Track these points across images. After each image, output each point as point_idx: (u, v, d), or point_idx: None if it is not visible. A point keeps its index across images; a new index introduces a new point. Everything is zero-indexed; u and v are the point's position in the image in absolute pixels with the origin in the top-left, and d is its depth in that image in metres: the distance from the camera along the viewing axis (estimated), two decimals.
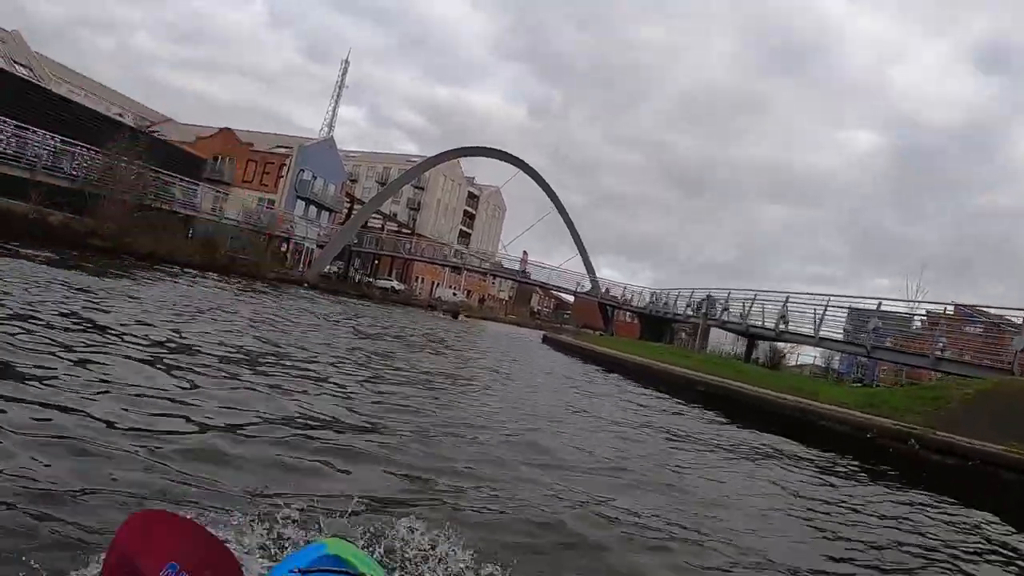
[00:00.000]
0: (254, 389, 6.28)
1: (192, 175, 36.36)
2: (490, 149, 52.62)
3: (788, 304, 24.47)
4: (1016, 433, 9.19)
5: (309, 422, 5.44)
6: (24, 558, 2.30)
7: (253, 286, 25.68)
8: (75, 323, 7.59)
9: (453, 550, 3.09)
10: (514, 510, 4.19)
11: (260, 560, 2.68)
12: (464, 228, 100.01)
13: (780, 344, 29.42)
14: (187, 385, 5.83)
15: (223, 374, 6.67)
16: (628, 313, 48.00)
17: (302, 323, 14.82)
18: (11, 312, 7.31)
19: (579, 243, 52.03)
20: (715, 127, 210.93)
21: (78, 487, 3.19)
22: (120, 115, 43.52)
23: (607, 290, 49.18)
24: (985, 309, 22.40)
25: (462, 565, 3.01)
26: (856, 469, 8.53)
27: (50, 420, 4.07)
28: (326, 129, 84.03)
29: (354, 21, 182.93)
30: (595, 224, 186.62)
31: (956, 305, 23.27)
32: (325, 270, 47.03)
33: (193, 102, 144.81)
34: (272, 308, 17.44)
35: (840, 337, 23.19)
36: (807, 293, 24.80)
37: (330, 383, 7.46)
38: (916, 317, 23.88)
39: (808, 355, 34.86)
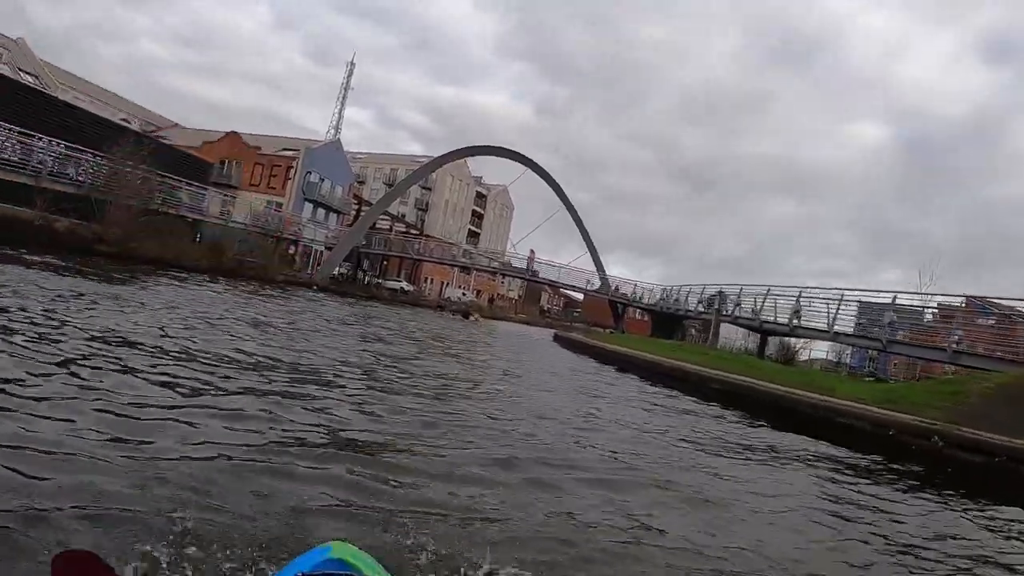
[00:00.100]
0: (279, 402, 6.10)
1: (199, 179, 36.27)
2: (497, 148, 52.39)
3: (801, 299, 24.21)
4: None
5: (335, 437, 5.25)
6: None
7: (262, 289, 25.55)
8: (81, 331, 7.43)
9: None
10: (545, 526, 3.99)
11: (264, 565, 2.75)
12: (472, 228, 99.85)
13: (790, 339, 29.14)
14: (200, 396, 5.65)
15: (233, 385, 6.49)
16: (638, 310, 47.71)
17: (314, 328, 14.63)
18: (27, 323, 7.15)
19: (588, 241, 51.77)
20: (721, 123, 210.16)
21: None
22: (127, 121, 43.50)
23: (617, 287, 48.84)
24: (996, 301, 22.12)
25: None
26: (881, 468, 8.27)
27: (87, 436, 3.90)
28: (333, 131, 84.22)
29: (359, 23, 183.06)
30: (603, 222, 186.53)
31: (968, 297, 22.95)
32: (334, 272, 46.88)
33: (199, 107, 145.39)
34: (282, 312, 17.29)
35: (852, 331, 22.94)
36: (820, 287, 24.60)
37: (352, 394, 7.24)
38: (928, 310, 23.55)
39: (819, 350, 34.59)
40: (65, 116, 28.45)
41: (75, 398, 4.80)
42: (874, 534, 5.08)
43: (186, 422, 4.77)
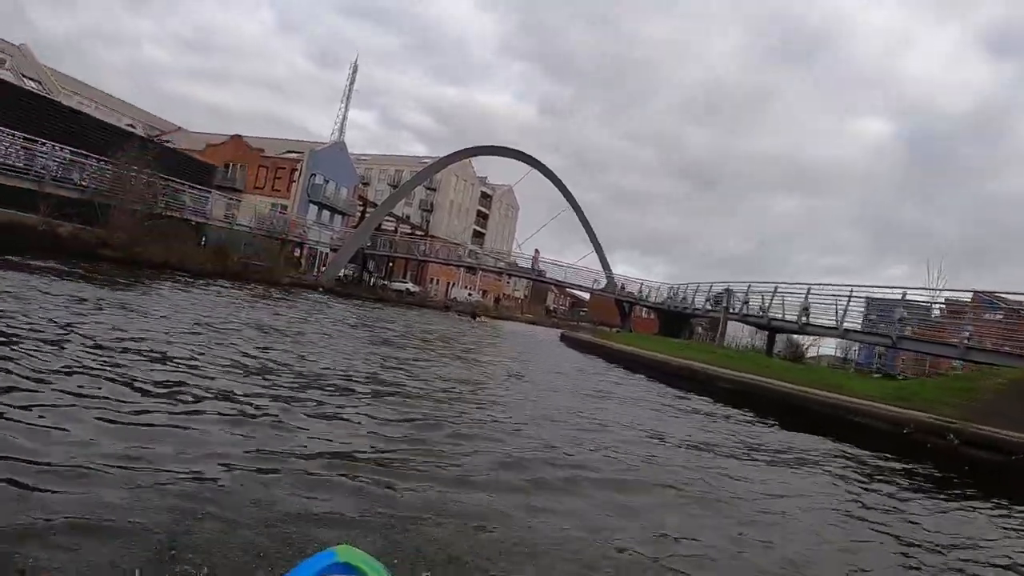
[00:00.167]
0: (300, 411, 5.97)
1: (203, 183, 36.26)
2: (502, 148, 52.27)
3: (810, 296, 24.01)
4: None
5: (341, 442, 5.12)
6: None
7: (268, 292, 25.48)
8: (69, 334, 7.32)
9: None
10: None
11: (269, 570, 2.73)
12: (478, 228, 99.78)
13: (797, 336, 28.97)
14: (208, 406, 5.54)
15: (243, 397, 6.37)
16: (645, 309, 47.54)
17: (321, 332, 14.51)
18: (27, 329, 7.04)
19: (594, 240, 51.61)
20: (724, 121, 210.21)
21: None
22: (131, 126, 43.56)
23: (623, 286, 48.66)
24: (1004, 295, 21.93)
25: None
26: (897, 468, 8.09)
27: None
28: (336, 133, 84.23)
29: (362, 25, 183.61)
30: (608, 220, 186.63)
31: (975, 292, 22.75)
32: (340, 274, 46.83)
33: (203, 111, 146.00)
34: (287, 315, 17.18)
35: (859, 328, 22.76)
36: (829, 284, 24.31)
37: (359, 398, 7.11)
38: (935, 305, 23.33)
39: (826, 347, 34.43)
40: (68, 121, 28.47)
41: (72, 406, 4.68)
42: (892, 536, 4.94)
43: (186, 428, 4.67)
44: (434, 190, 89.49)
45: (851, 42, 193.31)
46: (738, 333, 33.08)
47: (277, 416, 5.48)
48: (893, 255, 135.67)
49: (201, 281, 22.22)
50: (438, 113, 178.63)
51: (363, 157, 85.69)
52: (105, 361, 6.30)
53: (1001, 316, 21.14)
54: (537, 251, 54.48)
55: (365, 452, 4.90)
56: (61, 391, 4.98)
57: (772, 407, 11.77)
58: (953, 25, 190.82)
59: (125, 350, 7.05)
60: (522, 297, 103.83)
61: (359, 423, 5.81)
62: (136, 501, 3.28)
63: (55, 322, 7.83)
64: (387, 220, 61.90)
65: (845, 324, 22.33)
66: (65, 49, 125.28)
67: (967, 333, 18.48)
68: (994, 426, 9.08)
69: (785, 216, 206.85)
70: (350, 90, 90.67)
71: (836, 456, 8.38)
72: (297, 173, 54.24)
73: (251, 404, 5.75)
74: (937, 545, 4.90)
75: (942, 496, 6.85)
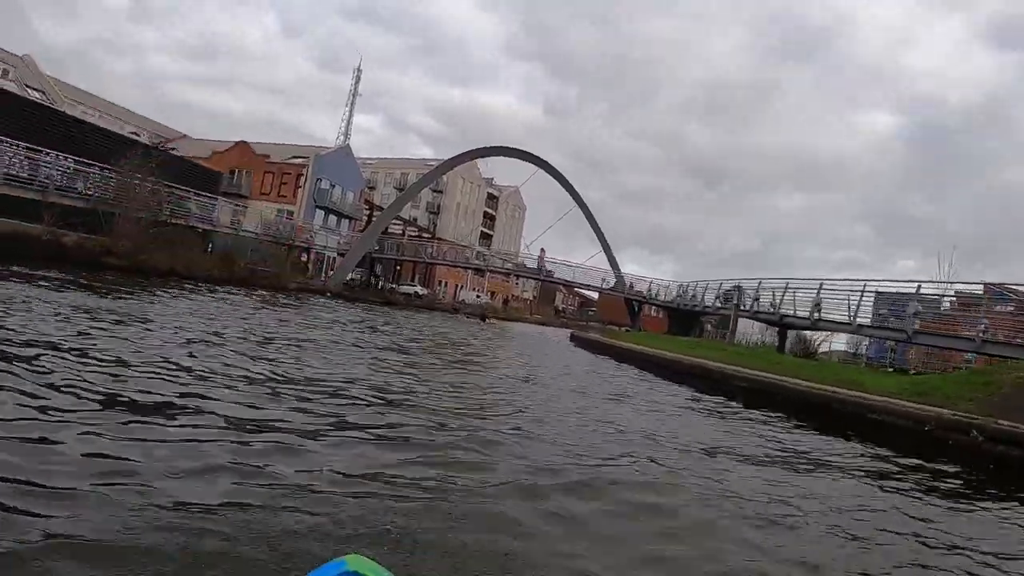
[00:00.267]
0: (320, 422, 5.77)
1: (209, 189, 36.23)
2: (508, 148, 52.12)
3: (822, 291, 23.72)
4: None
5: (351, 452, 4.92)
6: None
7: (275, 298, 25.34)
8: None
9: None
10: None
11: None
12: (485, 230, 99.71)
13: (807, 332, 28.69)
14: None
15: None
16: (654, 307, 47.29)
17: (330, 338, 14.31)
18: (23, 344, 6.87)
19: (602, 239, 51.42)
20: (731, 117, 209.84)
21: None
22: (135, 134, 43.63)
23: (631, 285, 48.44)
24: (1015, 287, 21.61)
25: None
26: (922, 468, 7.80)
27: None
28: (342, 137, 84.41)
29: (366, 29, 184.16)
30: (615, 220, 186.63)
31: (986, 284, 22.41)
32: (347, 278, 46.72)
33: (209, 118, 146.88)
34: (293, 321, 17.02)
35: (869, 322, 22.47)
36: (841, 279, 23.97)
37: (370, 407, 6.88)
38: (945, 298, 22.98)
39: (838, 342, 34.09)
40: (72, 130, 28.47)
41: (66, 422, 4.49)
42: (919, 541, 4.70)
43: (188, 441, 4.46)
44: (440, 192, 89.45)
45: (854, 36, 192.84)
46: (748, 330, 32.83)
47: (281, 427, 5.28)
48: (901, 249, 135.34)
49: (207, 288, 22.11)
50: (443, 115, 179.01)
51: (369, 161, 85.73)
52: (99, 373, 6.10)
53: (1012, 308, 20.81)
54: (543, 251, 54.31)
55: (376, 463, 4.67)
56: (52, 405, 4.79)
57: (791, 406, 11.51)
58: (957, 17, 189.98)
59: (120, 363, 6.86)
60: (531, 298, 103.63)
61: (368, 433, 5.58)
62: (133, 519, 3.12)
63: (47, 334, 7.64)
64: (394, 223, 61.87)
65: (858, 320, 22.05)
66: (69, 60, 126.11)
67: (983, 326, 18.16)
68: (1016, 421, 8.80)
69: (792, 212, 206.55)
70: (354, 94, 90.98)
71: (861, 456, 8.13)
72: (303, 178, 54.26)
73: (255, 415, 5.55)
74: (965, 548, 4.66)
75: (967, 495, 6.59)
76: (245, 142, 56.21)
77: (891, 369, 30.27)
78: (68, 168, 25.31)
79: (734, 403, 12.09)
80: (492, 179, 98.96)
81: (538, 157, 51.99)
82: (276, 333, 12.73)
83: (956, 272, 27.91)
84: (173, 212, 29.20)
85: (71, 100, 46.00)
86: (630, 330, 43.50)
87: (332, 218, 57.55)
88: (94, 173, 25.87)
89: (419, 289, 60.61)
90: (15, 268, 15.02)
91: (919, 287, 20.71)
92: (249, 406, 5.86)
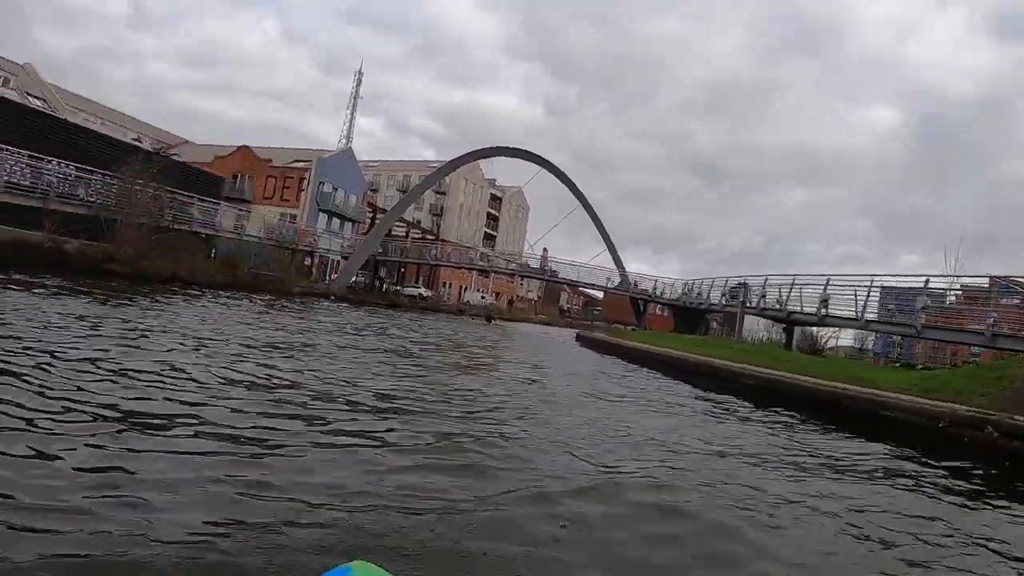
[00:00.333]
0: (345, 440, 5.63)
1: (211, 194, 36.13)
2: (510, 149, 51.97)
3: (829, 287, 23.55)
4: None
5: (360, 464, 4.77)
6: None
7: (279, 303, 25.22)
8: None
9: None
10: None
11: None
12: (489, 230, 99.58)
13: (813, 328, 28.55)
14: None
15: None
16: (659, 306, 47.11)
17: (336, 344, 14.17)
18: (20, 354, 6.75)
19: (606, 238, 51.24)
20: (733, 114, 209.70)
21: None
22: (138, 140, 43.60)
23: (636, 284, 48.27)
24: (1021, 280, 21.43)
25: None
26: (941, 467, 7.62)
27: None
28: (344, 140, 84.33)
29: (366, 31, 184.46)
30: (619, 219, 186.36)
31: (991, 277, 22.22)
32: (351, 281, 46.60)
33: (211, 123, 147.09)
34: (298, 326, 16.89)
35: (875, 318, 22.31)
36: (847, 275, 23.85)
37: (384, 418, 6.71)
38: (951, 292, 22.79)
39: (844, 338, 33.92)
40: (74, 137, 28.39)
41: (61, 434, 4.36)
42: (935, 540, 4.56)
43: (188, 454, 4.33)
44: (444, 194, 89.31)
45: (856, 30, 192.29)
46: (753, 327, 32.66)
47: (284, 434, 5.15)
48: (905, 243, 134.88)
49: (211, 293, 22.00)
50: (445, 117, 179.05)
51: (371, 164, 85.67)
52: (95, 386, 5.98)
53: (1019, 301, 20.65)
54: (545, 250, 54.14)
55: (387, 475, 4.52)
56: (46, 416, 4.67)
57: (801, 404, 11.36)
58: (959, 9, 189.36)
59: (118, 373, 6.73)
60: (535, 298, 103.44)
61: (379, 444, 5.41)
62: (129, 533, 3.02)
63: (41, 342, 7.53)
64: (397, 226, 61.78)
65: (867, 315, 21.90)
66: (71, 68, 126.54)
67: (992, 319, 17.98)
68: None
69: (794, 209, 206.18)
70: (356, 97, 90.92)
71: (878, 456, 7.96)
72: (305, 182, 54.26)
73: (256, 423, 5.43)
74: (992, 553, 4.51)
75: (996, 495, 6.42)
76: (247, 147, 56.19)
77: (897, 364, 30.14)
78: (70, 175, 25.26)
79: (746, 402, 11.92)
80: (495, 180, 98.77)
81: (540, 157, 51.87)
82: (278, 338, 12.61)
83: (963, 266, 27.68)
84: (175, 218, 29.14)
85: (73, 108, 46.02)
86: (635, 329, 43.31)
87: (335, 221, 57.52)
88: (96, 180, 25.81)
89: (423, 291, 60.48)
90: (16, 276, 14.94)
91: (927, 281, 20.53)
92: (250, 413, 5.73)
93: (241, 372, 7.82)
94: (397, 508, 3.80)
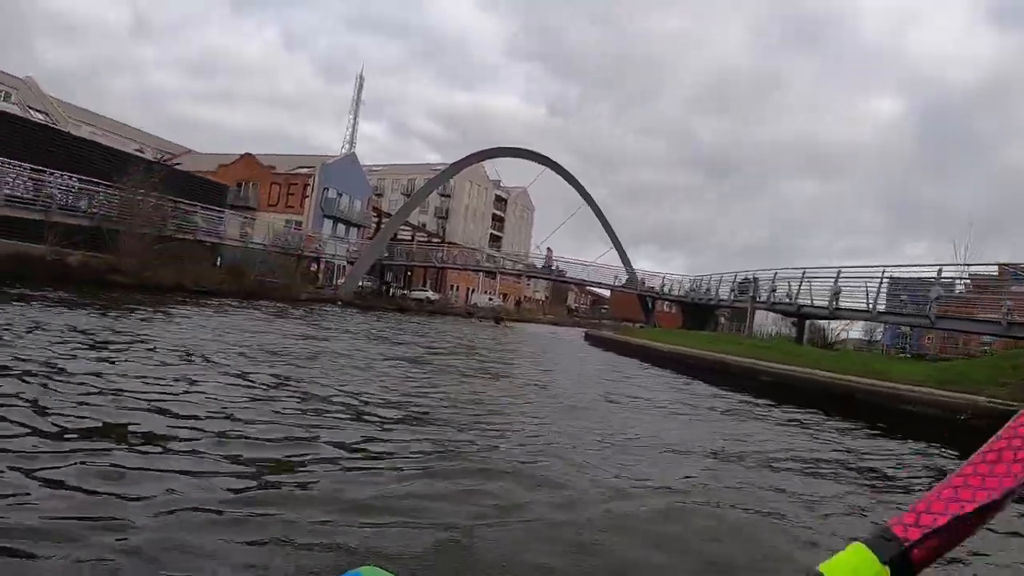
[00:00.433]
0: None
1: (215, 203, 36.05)
2: (514, 149, 51.77)
3: (840, 279, 23.24)
4: None
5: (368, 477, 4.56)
6: None
7: (285, 309, 25.05)
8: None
9: None
10: None
11: None
12: (494, 232, 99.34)
13: (822, 322, 28.20)
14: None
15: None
16: (667, 303, 46.77)
17: (342, 352, 13.97)
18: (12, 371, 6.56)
19: (612, 236, 50.94)
20: (737, 109, 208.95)
21: None
22: (140, 151, 43.61)
23: (643, 281, 47.95)
24: None
25: None
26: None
27: None
28: (347, 146, 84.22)
29: (367, 37, 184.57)
30: (624, 216, 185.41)
31: (1000, 265, 21.87)
32: (358, 286, 46.41)
33: (214, 132, 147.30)
34: (301, 334, 16.71)
35: (885, 309, 21.98)
36: (858, 266, 23.47)
37: (397, 429, 6.48)
38: (960, 281, 22.42)
39: (852, 330, 33.58)
40: (75, 149, 28.34)
41: (55, 452, 4.17)
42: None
43: (189, 469, 4.13)
44: (448, 196, 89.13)
45: (858, 20, 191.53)
46: (762, 321, 32.30)
47: (289, 446, 4.96)
48: (910, 233, 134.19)
49: (217, 302, 21.86)
50: (448, 120, 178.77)
51: (375, 168, 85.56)
52: (90, 404, 5.78)
53: None
54: (550, 250, 53.79)
55: (401, 490, 4.30)
56: (42, 433, 4.47)
57: (820, 399, 11.11)
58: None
59: (114, 391, 6.54)
60: (543, 298, 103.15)
61: (393, 457, 5.17)
62: (125, 557, 2.86)
63: (34, 359, 7.34)
64: (403, 229, 61.67)
65: (877, 307, 21.60)
66: (73, 80, 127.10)
67: (1007, 307, 17.64)
68: None
69: (800, 202, 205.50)
70: (358, 102, 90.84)
71: (912, 454, 7.71)
72: (310, 188, 54.19)
73: (262, 433, 5.22)
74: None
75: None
76: (250, 154, 56.15)
77: (907, 355, 29.81)
78: (72, 187, 25.20)
79: (766, 400, 11.63)
80: (499, 181, 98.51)
81: (544, 156, 51.61)
82: (282, 347, 12.40)
83: (974, 254, 27.33)
84: (179, 227, 29.06)
85: (75, 120, 46.09)
86: (644, 327, 43.00)
87: (340, 227, 57.44)
88: (98, 191, 25.74)
89: (431, 294, 60.26)
90: (18, 289, 14.82)
91: (940, 271, 20.18)
92: (255, 423, 5.53)
93: (243, 383, 7.62)
94: (408, 525, 3.59)
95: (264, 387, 7.52)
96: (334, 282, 47.96)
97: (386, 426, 6.25)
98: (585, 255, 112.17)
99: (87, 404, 5.48)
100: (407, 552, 3.25)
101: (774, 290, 27.73)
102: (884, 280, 21.57)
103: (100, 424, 4.96)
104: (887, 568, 0.55)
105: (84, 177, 25.74)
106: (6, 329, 9.12)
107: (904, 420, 9.34)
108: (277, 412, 6.22)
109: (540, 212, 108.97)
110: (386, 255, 50.84)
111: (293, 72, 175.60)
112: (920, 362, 21.50)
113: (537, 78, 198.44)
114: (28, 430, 4.53)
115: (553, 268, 52.79)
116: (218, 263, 32.30)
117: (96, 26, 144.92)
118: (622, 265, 49.66)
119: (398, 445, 5.48)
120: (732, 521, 4.38)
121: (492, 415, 7.53)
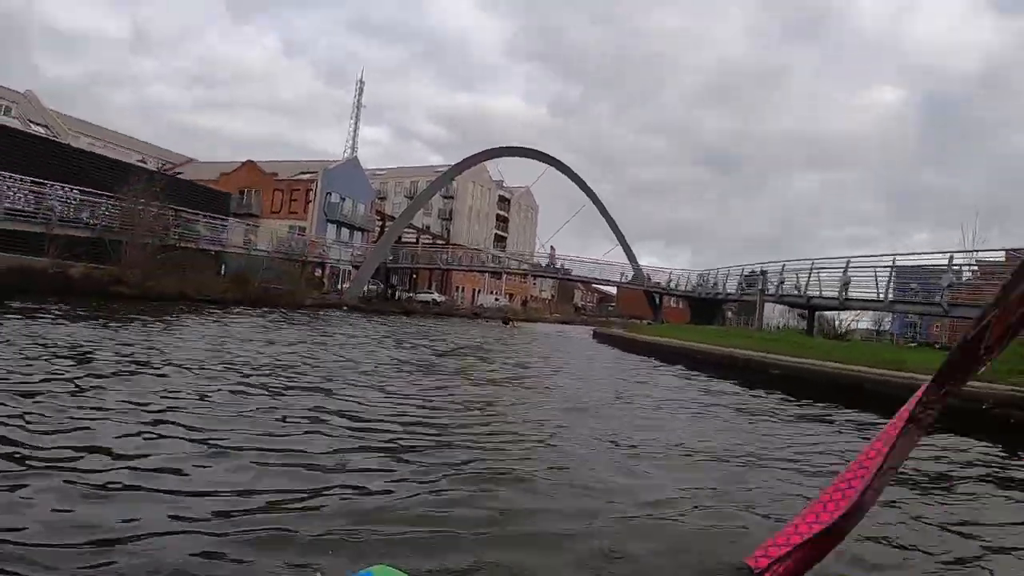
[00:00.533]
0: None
1: (218, 211, 36.03)
2: (516, 148, 51.68)
3: (849, 269, 23.04)
4: None
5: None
6: None
7: (289, 315, 24.89)
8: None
9: None
10: None
11: None
12: (499, 232, 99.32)
13: (829, 313, 28.01)
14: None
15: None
16: (674, 298, 46.60)
17: (346, 358, 13.79)
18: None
19: (618, 233, 50.85)
20: (739, 103, 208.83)
21: None
22: (142, 161, 43.65)
23: (649, 277, 47.81)
24: None
25: None
26: (997, 458, 7.11)
27: None
28: (349, 150, 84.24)
29: (367, 41, 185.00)
30: (629, 213, 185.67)
31: (1007, 250, 21.64)
32: (363, 290, 46.30)
33: (216, 141, 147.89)
34: (306, 338, 16.53)
35: (892, 298, 21.78)
36: (867, 256, 23.28)
37: (389, 429, 6.34)
38: (967, 268, 22.19)
39: (861, 320, 33.45)
40: (75, 162, 28.34)
41: (47, 470, 3.98)
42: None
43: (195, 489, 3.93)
44: (452, 198, 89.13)
45: (858, 10, 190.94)
46: (769, 314, 32.16)
47: (295, 461, 4.75)
48: (914, 221, 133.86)
49: (221, 310, 21.70)
50: (449, 121, 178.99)
51: (378, 172, 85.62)
52: (85, 422, 5.60)
53: None
54: (553, 248, 53.76)
55: (415, 509, 4.09)
56: (36, 451, 4.28)
57: (834, 392, 10.86)
58: None
59: (111, 408, 6.36)
60: (549, 297, 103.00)
61: (403, 464, 4.97)
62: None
63: (23, 372, 7.17)
64: (407, 232, 61.58)
65: (886, 296, 21.42)
66: (74, 93, 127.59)
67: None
68: None
69: (806, 192, 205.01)
70: (358, 106, 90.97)
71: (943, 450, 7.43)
72: (312, 194, 54.17)
73: (266, 447, 5.02)
74: None
75: None
76: (252, 162, 56.16)
77: (915, 344, 29.63)
78: (73, 199, 25.16)
79: (790, 397, 11.39)
80: (503, 181, 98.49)
81: (547, 155, 51.54)
82: (284, 354, 12.22)
83: (982, 240, 27.09)
84: (182, 236, 28.99)
85: (75, 132, 46.15)
86: (652, 323, 42.79)
87: (344, 231, 57.39)
88: (100, 203, 25.70)
89: (437, 296, 60.14)
90: (20, 303, 14.69)
91: (951, 257, 19.94)
92: (256, 433, 5.33)
93: (244, 391, 7.44)
94: (424, 524, 3.40)
95: (265, 395, 7.34)
96: (339, 287, 47.89)
97: (394, 433, 6.06)
98: (590, 253, 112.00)
99: (76, 419, 5.30)
100: (418, 554, 3.06)
101: (782, 282, 27.53)
102: (893, 269, 21.39)
103: (87, 443, 4.77)
104: None
105: (85, 189, 25.69)
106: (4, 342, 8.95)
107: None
108: (279, 421, 6.02)
109: (544, 211, 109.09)
110: (391, 258, 50.78)
111: (293, 78, 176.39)
112: (928, 350, 21.28)
113: (537, 78, 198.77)
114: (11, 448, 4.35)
115: (558, 267, 52.67)
116: (222, 271, 32.24)
117: (96, 39, 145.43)
118: (628, 262, 49.53)
119: (409, 453, 5.28)
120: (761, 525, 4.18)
121: (505, 421, 7.32)
